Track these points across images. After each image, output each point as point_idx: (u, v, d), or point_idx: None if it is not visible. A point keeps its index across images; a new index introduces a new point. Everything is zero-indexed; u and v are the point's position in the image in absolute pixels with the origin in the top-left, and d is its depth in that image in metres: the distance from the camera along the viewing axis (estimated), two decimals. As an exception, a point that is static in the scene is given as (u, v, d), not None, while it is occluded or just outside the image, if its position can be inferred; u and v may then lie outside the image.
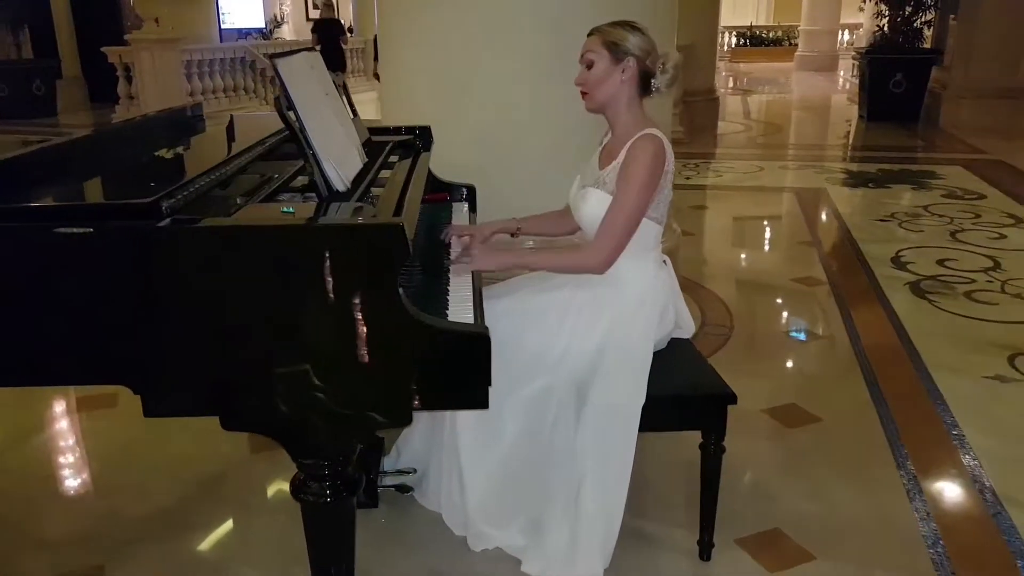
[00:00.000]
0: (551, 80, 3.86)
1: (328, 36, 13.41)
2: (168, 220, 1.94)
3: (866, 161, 9.80)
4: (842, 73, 21.46)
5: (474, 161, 3.75)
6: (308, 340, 1.98)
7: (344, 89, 3.10)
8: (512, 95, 4.18)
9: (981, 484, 3.12)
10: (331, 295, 1.93)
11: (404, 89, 4.56)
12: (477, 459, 2.66)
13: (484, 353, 2.02)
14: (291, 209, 2.20)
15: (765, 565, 2.69)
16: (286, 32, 21.74)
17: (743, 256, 6.58)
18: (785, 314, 5.13)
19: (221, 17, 18.31)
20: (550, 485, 2.61)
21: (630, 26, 2.62)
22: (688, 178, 8.81)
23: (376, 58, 7.14)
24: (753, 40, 27.15)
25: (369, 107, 11.72)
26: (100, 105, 16.00)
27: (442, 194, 3.35)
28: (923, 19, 12.59)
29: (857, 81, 13.98)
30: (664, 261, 2.79)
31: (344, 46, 14.20)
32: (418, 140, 3.42)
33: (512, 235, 3.05)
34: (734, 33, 27.02)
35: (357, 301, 1.94)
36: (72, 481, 3.38)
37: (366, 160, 2.79)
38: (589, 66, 2.62)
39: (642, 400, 2.49)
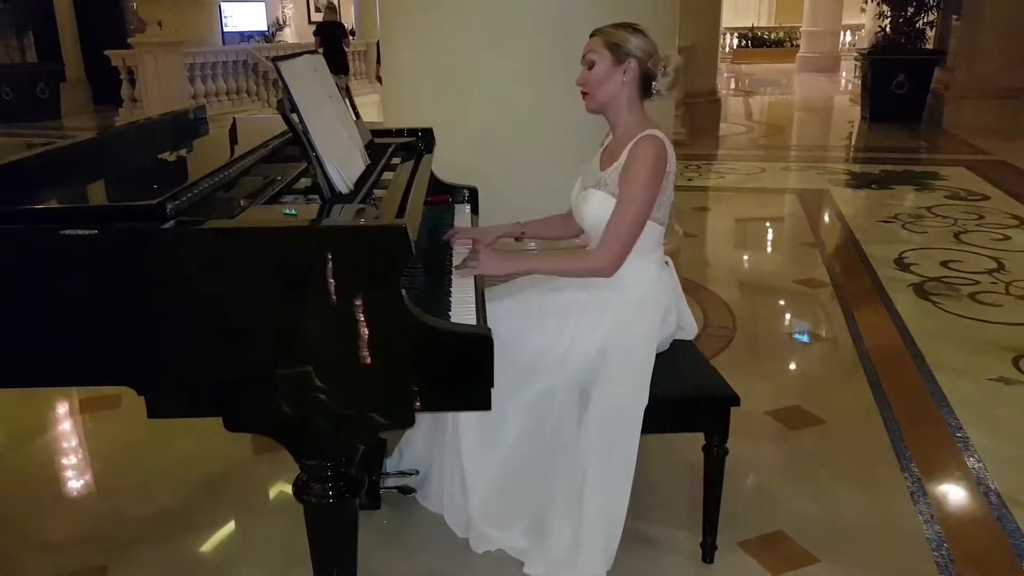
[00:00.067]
0: (552, 81, 3.87)
1: (331, 39, 13.41)
2: (172, 222, 1.95)
3: (869, 162, 9.79)
4: (844, 74, 21.47)
5: (475, 162, 3.75)
6: (311, 341, 1.98)
7: (347, 91, 3.10)
8: (513, 97, 4.18)
9: (986, 486, 3.11)
10: (334, 296, 1.94)
11: (406, 91, 4.56)
12: (479, 460, 2.66)
13: (487, 354, 2.02)
14: (294, 211, 2.20)
15: (768, 568, 2.69)
16: (288, 35, 21.77)
17: (745, 258, 6.58)
18: (788, 316, 5.13)
19: (224, 20, 18.34)
20: (552, 487, 2.61)
21: (632, 28, 2.62)
22: (690, 180, 8.81)
23: (378, 61, 7.15)
24: (755, 41, 27.16)
25: (371, 109, 11.73)
26: (103, 108, 16.06)
27: (444, 196, 3.35)
28: (925, 20, 12.60)
29: (859, 82, 13.98)
30: (666, 262, 2.79)
31: (346, 49, 14.21)
32: (420, 142, 3.42)
33: (516, 239, 3.06)
34: (736, 34, 27.02)
35: (360, 302, 1.94)
36: (75, 482, 3.39)
37: (369, 162, 2.79)
38: (590, 66, 2.62)
39: (644, 401, 2.49)
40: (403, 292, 1.96)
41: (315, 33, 14.19)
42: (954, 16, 12.50)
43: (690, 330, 2.87)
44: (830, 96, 17.96)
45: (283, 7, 22.25)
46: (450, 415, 2.70)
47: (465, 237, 2.90)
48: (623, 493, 2.53)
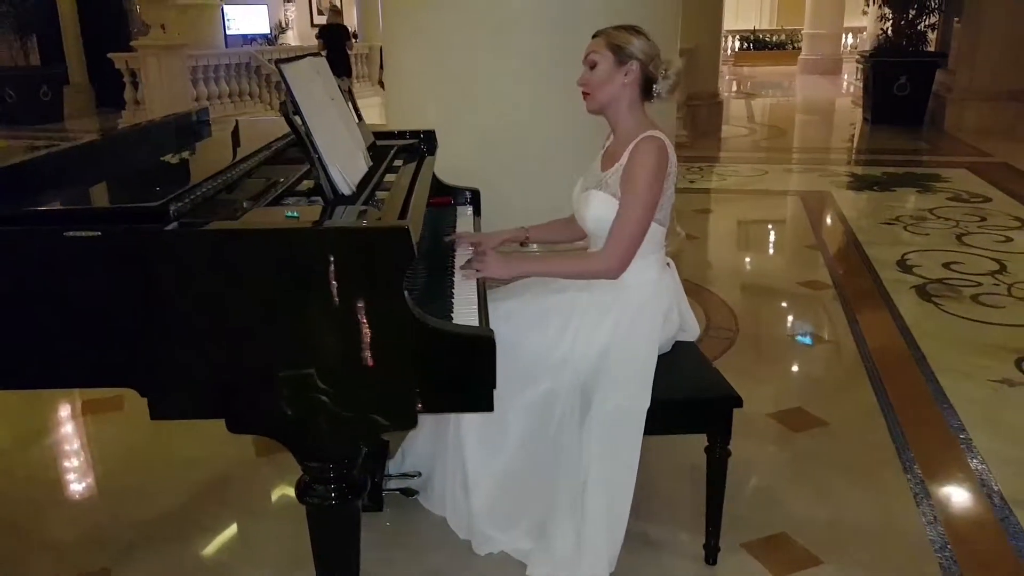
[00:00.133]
0: (553, 83, 3.87)
1: (334, 42, 13.43)
2: (175, 224, 1.96)
3: (871, 164, 9.79)
4: (846, 76, 21.46)
5: (476, 164, 3.76)
6: (313, 343, 1.99)
7: (349, 94, 3.11)
8: (514, 98, 4.19)
9: (989, 488, 3.11)
10: (336, 298, 1.94)
11: (408, 93, 4.57)
12: (482, 462, 2.66)
13: (489, 356, 2.02)
14: (296, 213, 2.21)
15: (771, 569, 2.69)
16: (291, 38, 21.79)
17: (748, 260, 6.58)
18: (790, 318, 5.13)
19: (226, 23, 18.32)
20: (555, 488, 2.60)
21: (635, 30, 2.63)
22: (692, 182, 8.81)
23: (381, 66, 7.15)
24: (756, 44, 27.13)
25: (373, 112, 11.74)
26: (107, 111, 16.08)
27: (446, 198, 3.36)
28: (927, 22, 12.61)
29: (861, 84, 13.98)
30: (668, 263, 2.79)
31: (349, 52, 14.22)
32: (422, 144, 3.42)
33: (521, 244, 3.06)
34: (737, 37, 26.99)
35: (362, 304, 1.95)
36: (78, 484, 3.39)
37: (371, 164, 2.79)
38: (592, 67, 2.63)
39: (647, 403, 2.49)
40: (405, 293, 1.96)
41: (318, 36, 14.21)
42: (955, 19, 12.50)
43: (692, 331, 2.87)
44: (832, 98, 17.96)
45: (285, 10, 22.28)
46: (452, 416, 2.70)
47: (468, 242, 2.90)
48: (626, 495, 2.53)
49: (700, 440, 2.63)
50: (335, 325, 1.96)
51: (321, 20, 20.61)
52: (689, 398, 2.63)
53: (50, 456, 3.61)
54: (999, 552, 2.79)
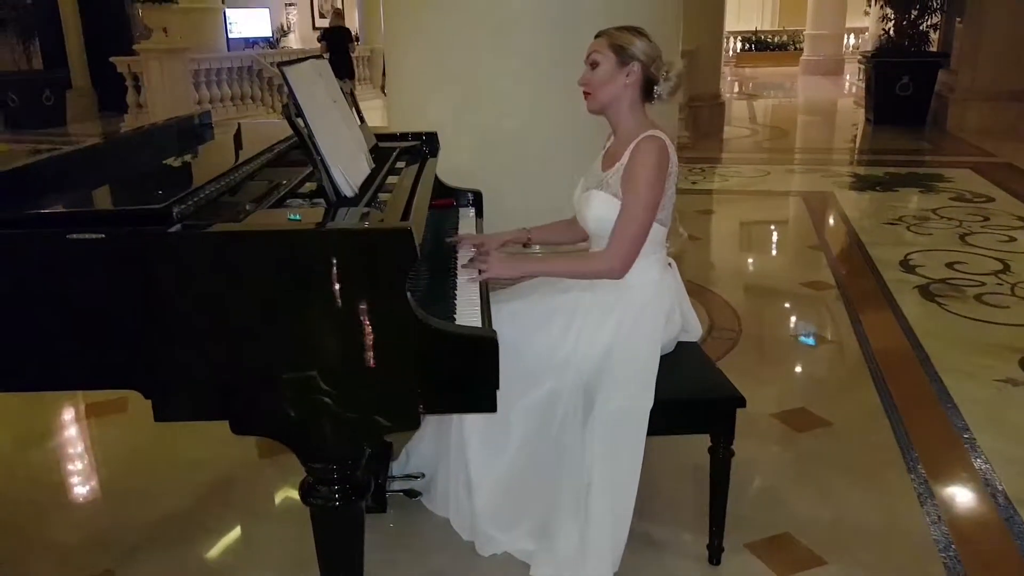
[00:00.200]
0: (553, 84, 3.89)
1: (336, 44, 13.45)
2: (178, 226, 1.96)
3: (873, 164, 9.78)
4: (848, 77, 21.44)
5: (478, 165, 3.77)
6: (317, 344, 1.99)
7: (351, 96, 3.11)
8: (515, 100, 4.21)
9: (993, 487, 3.11)
10: (339, 299, 1.94)
11: (408, 94, 4.58)
12: (485, 463, 2.67)
13: (492, 356, 2.02)
14: (297, 216, 2.21)
15: (775, 569, 2.68)
16: (292, 41, 21.81)
17: (750, 260, 6.58)
18: (793, 318, 5.13)
19: (228, 27, 18.35)
20: (558, 489, 2.60)
21: (637, 31, 2.63)
22: (694, 183, 8.81)
23: (384, 72, 7.16)
24: (758, 45, 27.13)
25: (376, 114, 11.75)
26: (109, 115, 16.11)
27: (448, 199, 3.36)
28: (929, 22, 12.61)
29: (863, 85, 13.97)
30: (669, 263, 2.79)
31: (352, 54, 14.23)
32: (425, 146, 3.42)
33: (524, 245, 3.06)
34: (739, 38, 27.00)
35: (365, 305, 1.95)
36: (82, 486, 3.39)
37: (373, 166, 2.80)
38: (594, 66, 2.63)
39: (650, 403, 2.49)
40: (408, 295, 1.96)
41: (321, 38, 14.22)
42: (957, 19, 12.50)
43: (694, 332, 2.87)
44: (834, 99, 17.96)
45: (287, 13, 22.30)
46: (455, 417, 2.70)
47: (471, 243, 2.90)
48: (629, 495, 2.53)
49: (703, 440, 2.63)
50: (338, 326, 1.97)
51: (322, 23, 20.64)
52: (692, 398, 2.63)
53: (54, 458, 3.61)
54: (1003, 552, 2.78)
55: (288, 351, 2.00)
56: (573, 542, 2.57)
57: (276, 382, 2.01)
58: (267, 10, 20.54)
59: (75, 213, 2.17)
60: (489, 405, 2.07)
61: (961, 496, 3.11)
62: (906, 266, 5.76)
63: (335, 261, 1.94)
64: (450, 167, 3.41)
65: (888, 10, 12.74)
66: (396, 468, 3.05)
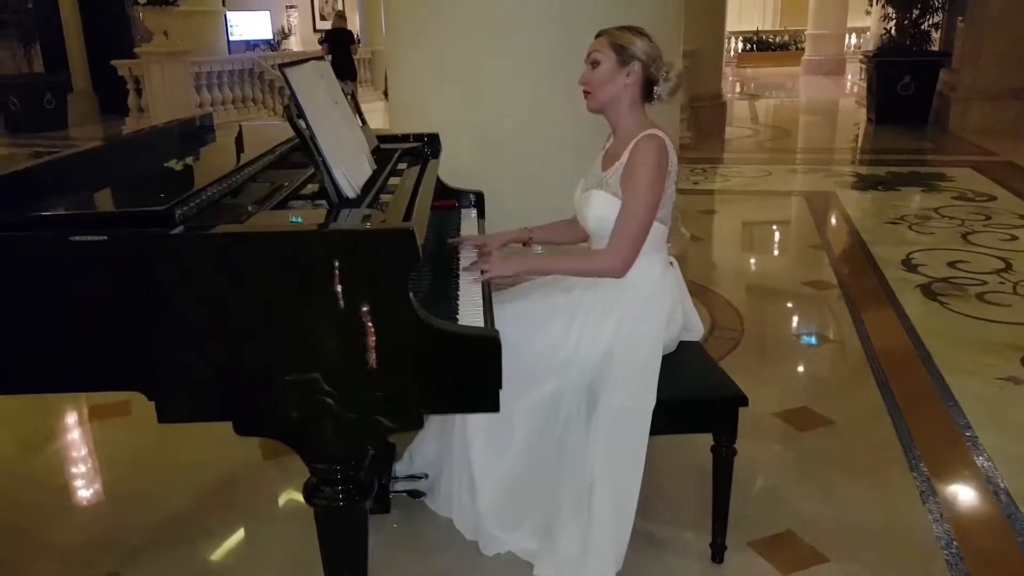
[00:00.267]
0: (553, 84, 3.89)
1: (339, 46, 13.45)
2: (181, 227, 1.97)
3: (875, 164, 9.78)
4: (850, 77, 21.42)
5: (477, 164, 3.77)
6: (320, 345, 2.00)
7: (353, 98, 3.12)
8: (515, 100, 4.21)
9: (995, 485, 3.11)
10: (342, 300, 1.95)
11: (409, 94, 4.59)
12: (488, 463, 2.67)
13: (494, 356, 2.03)
14: (299, 219, 2.22)
15: (778, 567, 2.69)
16: (293, 44, 21.79)
17: (752, 260, 6.58)
18: (795, 318, 5.12)
19: (229, 29, 18.33)
20: (561, 488, 2.61)
21: (637, 31, 2.64)
22: (696, 183, 8.81)
23: (387, 77, 7.16)
24: (760, 45, 27.11)
25: (377, 116, 11.76)
26: (110, 118, 16.12)
27: (450, 200, 3.36)
28: (930, 21, 12.59)
29: (865, 84, 13.97)
30: (671, 262, 2.79)
31: (354, 56, 14.24)
32: (426, 147, 3.43)
33: (525, 244, 3.06)
34: (740, 38, 26.99)
35: (368, 306, 1.96)
36: (85, 489, 3.40)
37: (375, 167, 2.80)
38: (594, 65, 2.64)
39: (652, 402, 2.49)
40: (411, 295, 1.97)
41: (323, 40, 14.21)
42: (959, 18, 12.50)
43: (696, 331, 2.88)
44: (836, 99, 17.94)
45: (288, 16, 22.29)
46: (459, 417, 2.71)
47: (473, 244, 2.90)
48: (632, 494, 2.53)
49: (706, 439, 2.63)
50: (341, 327, 1.97)
51: (323, 25, 20.63)
52: (695, 398, 2.63)
53: (57, 461, 3.62)
54: (1005, 549, 2.79)
55: (291, 352, 2.00)
56: (576, 541, 2.57)
57: (279, 383, 2.01)
58: (268, 13, 20.52)
59: (78, 215, 2.18)
60: (492, 405, 2.08)
61: (963, 494, 3.12)
62: (908, 265, 5.77)
63: (338, 262, 1.94)
64: (450, 167, 3.42)
65: (889, 9, 12.72)
66: (399, 469, 3.06)
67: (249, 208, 2.27)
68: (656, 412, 2.49)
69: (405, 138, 3.49)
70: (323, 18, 22.38)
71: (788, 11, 28.49)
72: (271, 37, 20.67)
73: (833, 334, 4.74)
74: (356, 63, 15.38)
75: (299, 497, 2.22)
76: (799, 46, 25.52)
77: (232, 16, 18.64)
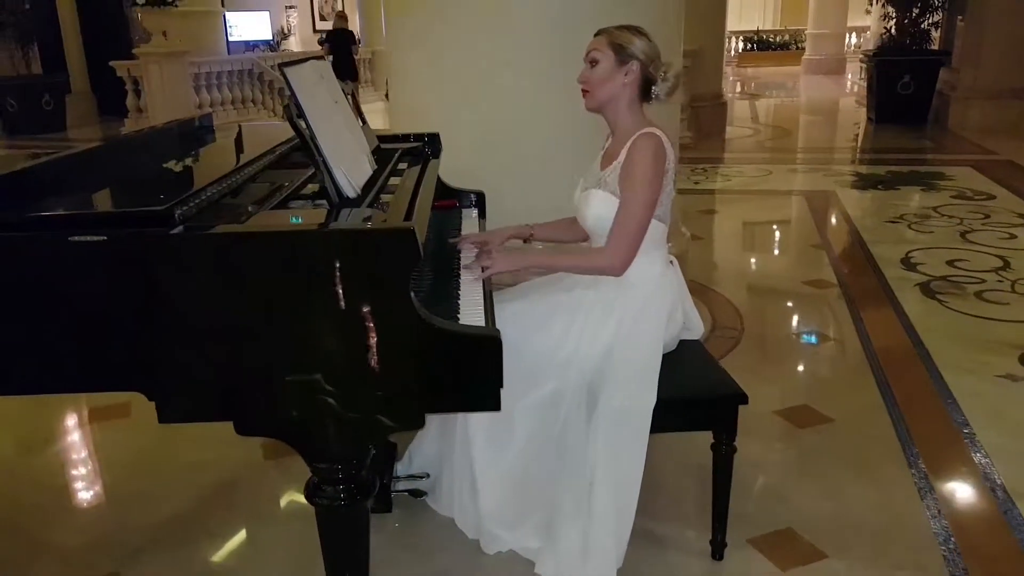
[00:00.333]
0: (553, 83, 3.90)
1: (340, 46, 13.44)
2: (181, 227, 1.97)
3: (875, 163, 9.79)
4: (850, 76, 21.41)
5: (476, 164, 3.77)
6: (320, 345, 2.00)
7: (353, 97, 3.12)
8: (514, 99, 4.21)
9: (992, 481, 3.12)
10: (343, 300, 1.95)
11: (409, 94, 4.60)
12: (489, 462, 2.67)
13: (495, 355, 2.03)
14: (299, 219, 2.22)
15: (777, 564, 2.70)
16: (293, 44, 21.79)
17: (753, 260, 6.59)
18: (795, 316, 5.13)
19: (228, 30, 18.32)
20: (562, 487, 2.61)
21: (636, 30, 2.64)
22: (697, 183, 8.82)
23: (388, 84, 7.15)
24: (760, 44, 27.12)
25: (377, 116, 11.76)
26: (109, 119, 16.09)
27: (451, 200, 3.37)
28: (930, 20, 12.60)
29: (865, 84, 13.97)
30: (671, 261, 2.80)
31: (355, 56, 14.23)
32: (427, 147, 3.43)
33: (525, 240, 3.07)
34: (741, 38, 27.00)
35: (369, 305, 1.96)
36: (86, 490, 3.40)
37: (375, 167, 2.81)
38: (593, 64, 2.64)
39: (652, 401, 2.50)
40: (412, 295, 1.97)
41: (324, 40, 14.20)
42: (959, 17, 12.50)
43: (696, 330, 2.88)
44: (836, 98, 17.94)
45: (287, 16, 22.28)
46: (460, 417, 2.71)
47: (475, 241, 2.91)
48: (632, 492, 2.54)
49: (706, 437, 2.64)
50: (342, 327, 1.97)
51: (323, 26, 20.62)
52: (695, 396, 2.64)
53: (57, 462, 3.62)
54: (1002, 544, 2.80)
55: (292, 351, 2.01)
56: (577, 540, 2.57)
57: (280, 382, 2.01)
58: (267, 13, 20.52)
59: (77, 215, 2.17)
60: (493, 404, 2.08)
61: (961, 490, 3.13)
62: (907, 264, 5.77)
63: (339, 262, 1.94)
64: (450, 167, 3.42)
65: (889, 9, 12.73)
66: (400, 469, 3.06)
67: (249, 208, 2.27)
68: (656, 410, 2.50)
69: (405, 138, 3.49)
70: (323, 18, 22.38)
71: (788, 11, 28.50)
72: (270, 38, 20.67)
73: (833, 332, 4.75)
74: (357, 63, 15.38)
75: (300, 497, 2.22)
76: (799, 45, 25.54)
77: (231, 16, 18.63)
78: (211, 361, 2.02)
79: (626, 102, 2.65)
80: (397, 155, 3.18)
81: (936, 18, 12.66)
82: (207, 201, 2.19)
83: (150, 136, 3.63)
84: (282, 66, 2.40)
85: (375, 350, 1.98)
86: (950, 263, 5.76)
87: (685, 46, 5.26)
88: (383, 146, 3.19)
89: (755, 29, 27.55)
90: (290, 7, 22.17)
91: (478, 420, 2.66)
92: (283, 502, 3.19)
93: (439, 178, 3.20)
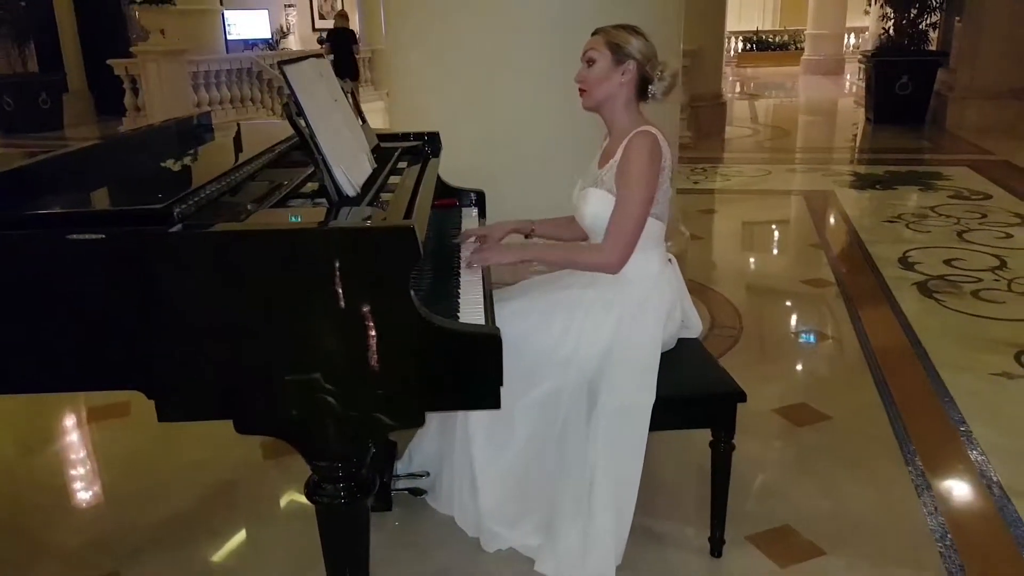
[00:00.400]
0: (553, 83, 3.89)
1: (341, 45, 13.44)
2: (179, 226, 1.96)
3: (873, 163, 9.80)
4: (848, 76, 21.41)
5: (476, 163, 3.77)
6: (320, 343, 2.00)
7: (353, 96, 3.12)
8: (514, 98, 4.21)
9: (988, 479, 3.13)
10: (343, 298, 1.95)
11: (409, 93, 4.60)
12: (489, 460, 2.68)
13: (496, 353, 2.03)
14: (298, 217, 2.22)
15: (776, 561, 2.71)
16: (292, 43, 21.78)
17: (752, 259, 6.59)
18: (794, 316, 5.14)
19: (227, 28, 18.30)
20: (562, 484, 2.62)
21: (633, 30, 2.65)
22: (696, 182, 8.82)
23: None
24: (759, 45, 27.10)
25: (377, 116, 11.75)
26: (106, 118, 16.04)
27: (451, 199, 3.37)
28: (928, 21, 12.60)
29: (863, 84, 13.97)
30: (669, 259, 2.81)
31: (356, 55, 14.22)
32: (427, 146, 3.43)
33: (527, 236, 3.08)
34: (740, 38, 26.98)
35: (368, 304, 1.96)
36: (85, 490, 3.40)
37: (375, 166, 2.81)
38: (590, 63, 2.65)
39: (651, 399, 2.51)
40: (412, 293, 1.97)
41: (325, 39, 14.18)
42: (957, 18, 12.50)
43: (695, 328, 2.89)
44: (834, 98, 17.94)
45: (286, 15, 22.27)
46: (460, 415, 2.72)
47: (476, 235, 2.92)
48: (631, 490, 2.55)
49: (705, 435, 2.65)
50: (341, 325, 1.97)
51: (322, 24, 20.62)
52: (694, 394, 2.64)
53: (57, 462, 3.62)
54: (998, 541, 2.81)
55: (292, 350, 2.00)
56: (576, 537, 2.58)
57: (280, 381, 2.01)
58: (266, 12, 20.50)
59: (75, 214, 2.17)
60: (493, 402, 2.08)
61: (957, 487, 3.14)
62: (905, 263, 5.78)
63: (338, 260, 1.94)
64: (450, 166, 3.42)
65: (888, 9, 12.73)
66: (400, 467, 3.06)
67: (248, 206, 2.26)
68: (655, 408, 2.51)
69: (405, 137, 3.49)
70: (322, 17, 22.38)
71: (788, 11, 28.50)
72: (269, 36, 20.66)
73: (831, 331, 4.76)
74: (358, 62, 15.37)
75: (300, 496, 2.22)
76: (799, 46, 25.52)
77: (230, 15, 18.61)
78: (210, 360, 2.02)
79: (623, 101, 2.66)
80: (397, 154, 3.18)
81: (934, 19, 12.67)
82: (206, 199, 2.18)
83: (148, 135, 3.62)
84: (281, 64, 2.39)
85: (375, 349, 1.98)
86: (947, 262, 5.77)
87: (684, 46, 5.26)
88: (383, 145, 3.19)
89: (754, 29, 27.53)
90: (289, 5, 22.17)
91: (478, 418, 2.66)
92: (283, 501, 3.19)
93: (439, 177, 3.20)
